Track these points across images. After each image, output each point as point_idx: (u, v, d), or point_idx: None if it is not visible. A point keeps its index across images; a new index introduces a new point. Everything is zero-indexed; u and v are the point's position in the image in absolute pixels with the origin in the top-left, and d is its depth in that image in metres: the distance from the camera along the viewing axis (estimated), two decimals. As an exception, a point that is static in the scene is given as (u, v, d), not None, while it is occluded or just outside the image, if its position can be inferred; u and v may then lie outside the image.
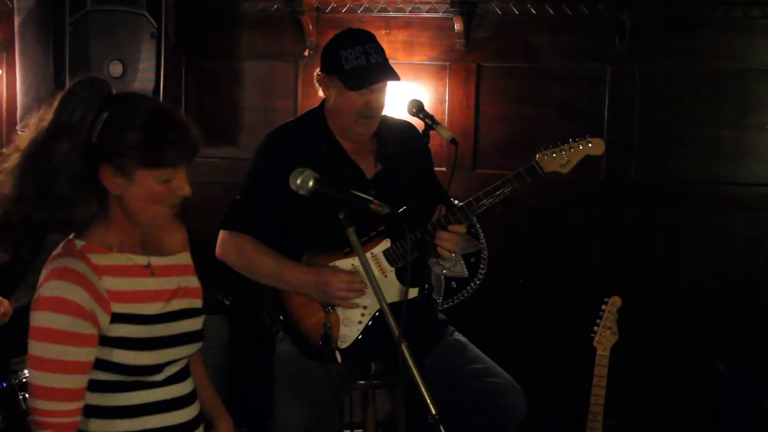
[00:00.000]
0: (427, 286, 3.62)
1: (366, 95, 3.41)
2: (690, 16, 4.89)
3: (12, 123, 4.67)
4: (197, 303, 2.54)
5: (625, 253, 5.00)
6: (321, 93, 3.57)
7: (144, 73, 4.46)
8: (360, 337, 3.43)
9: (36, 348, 2.24)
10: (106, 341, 2.28)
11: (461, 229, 3.45)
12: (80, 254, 2.28)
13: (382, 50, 3.47)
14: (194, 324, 2.50)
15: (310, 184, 2.78)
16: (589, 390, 4.09)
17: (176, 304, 2.45)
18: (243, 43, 5.53)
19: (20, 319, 3.77)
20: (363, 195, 2.79)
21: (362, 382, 3.58)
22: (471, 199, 3.44)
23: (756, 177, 4.86)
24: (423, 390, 2.63)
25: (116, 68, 4.33)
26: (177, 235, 2.59)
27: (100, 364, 2.30)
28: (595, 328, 4.10)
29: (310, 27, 5.28)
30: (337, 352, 3.40)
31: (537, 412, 3.67)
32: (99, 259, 2.29)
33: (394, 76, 3.45)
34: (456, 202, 3.56)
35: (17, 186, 2.26)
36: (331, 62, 3.45)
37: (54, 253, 2.32)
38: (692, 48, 4.92)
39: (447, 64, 5.19)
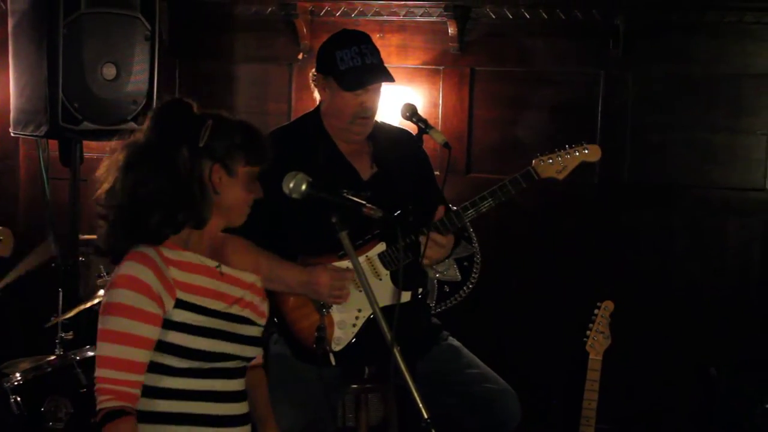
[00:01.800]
0: (421, 290, 3.60)
1: (361, 96, 3.42)
2: (683, 20, 4.90)
3: (5, 125, 4.65)
4: (257, 318, 2.73)
5: (617, 257, 5.01)
6: (317, 94, 3.57)
7: (138, 76, 4.45)
8: (354, 340, 3.43)
9: (108, 322, 2.45)
10: (168, 324, 2.49)
11: (441, 239, 3.40)
12: (154, 246, 2.53)
13: (378, 51, 3.48)
14: (253, 330, 2.70)
15: (303, 187, 2.78)
16: (581, 394, 4.09)
17: (238, 310, 2.65)
18: (237, 46, 5.53)
19: (7, 326, 3.78)
20: (356, 198, 2.79)
21: (355, 386, 3.58)
22: (467, 203, 3.44)
23: (749, 181, 4.88)
24: (415, 395, 2.62)
25: (110, 71, 4.33)
26: (246, 256, 2.82)
27: (165, 347, 2.50)
28: (588, 332, 4.10)
29: (304, 30, 5.29)
30: (331, 355, 3.39)
31: (530, 417, 3.67)
32: (170, 254, 2.53)
33: (389, 78, 3.46)
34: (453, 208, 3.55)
35: (149, 192, 2.52)
36: (327, 63, 3.45)
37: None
38: (685, 53, 4.93)
39: (441, 67, 5.20)
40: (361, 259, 3.40)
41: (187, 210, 2.53)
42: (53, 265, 4.45)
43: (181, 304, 2.50)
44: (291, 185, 2.78)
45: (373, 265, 3.43)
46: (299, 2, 5.22)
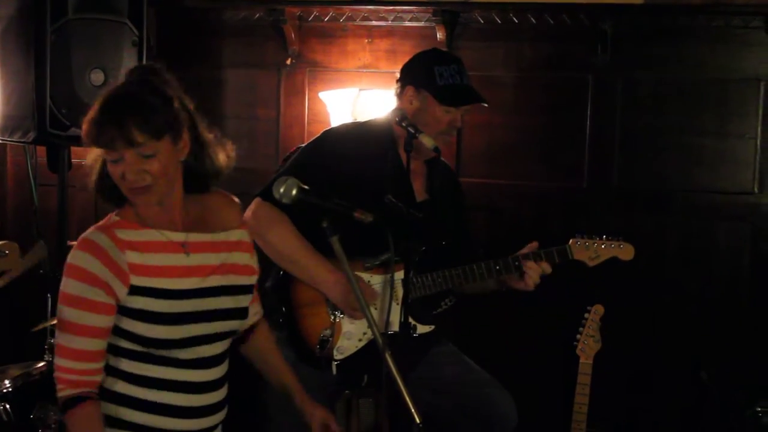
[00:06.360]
0: (429, 329, 3.58)
1: (453, 113, 3.49)
2: (671, 25, 4.91)
3: (-7, 132, 4.63)
4: (242, 280, 2.65)
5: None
6: (395, 104, 3.61)
7: (126, 82, 4.43)
8: (356, 352, 3.42)
9: (59, 311, 2.44)
10: (125, 311, 2.44)
11: (548, 268, 3.58)
12: (107, 228, 2.46)
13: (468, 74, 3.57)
14: (233, 302, 2.59)
15: (293, 192, 2.76)
16: (572, 398, 4.10)
17: (215, 280, 2.55)
18: (225, 51, 5.51)
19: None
20: (346, 203, 2.78)
21: (347, 391, 3.58)
22: (509, 259, 3.55)
23: (737, 185, 4.88)
24: (407, 399, 2.62)
25: (98, 76, 4.30)
26: (230, 212, 2.69)
27: (122, 333, 2.46)
28: (578, 336, 4.11)
29: (293, 36, 5.28)
30: (333, 364, 3.39)
31: (520, 420, 3.66)
32: (126, 235, 2.45)
33: (484, 100, 3.55)
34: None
35: None
36: (424, 76, 3.50)
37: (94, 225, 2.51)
38: (674, 57, 4.94)
39: (430, 72, 5.19)
40: (387, 278, 3.43)
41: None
42: (41, 271, 4.43)
43: (136, 291, 2.43)
44: (281, 190, 2.76)
45: (395, 289, 3.42)
46: (287, 7, 5.21)
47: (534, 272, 3.52)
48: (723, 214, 4.91)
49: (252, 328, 2.84)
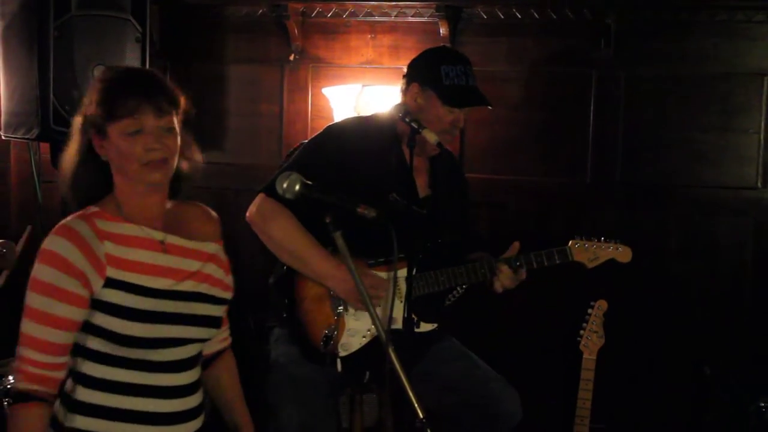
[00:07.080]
0: (433, 327, 3.58)
1: (456, 113, 3.48)
2: (675, 19, 4.91)
3: (-4, 128, 4.64)
4: (216, 292, 2.55)
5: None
6: (398, 100, 3.59)
7: (129, 78, 4.43)
8: (360, 349, 3.42)
9: (28, 297, 2.31)
10: (97, 305, 2.32)
11: (523, 275, 3.58)
12: (87, 217, 2.37)
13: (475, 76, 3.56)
14: (206, 309, 2.50)
15: (297, 187, 2.76)
16: (576, 393, 4.09)
17: (190, 286, 2.47)
18: (228, 47, 5.52)
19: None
20: (349, 198, 2.77)
21: (349, 387, 3.58)
22: (512, 257, 3.55)
23: (740, 180, 4.88)
24: (410, 394, 2.62)
25: (101, 73, 4.31)
26: (207, 225, 2.64)
27: (93, 330, 2.34)
28: (582, 331, 4.10)
29: (296, 31, 5.28)
30: (338, 361, 3.39)
31: (524, 416, 3.66)
32: (106, 226, 2.37)
33: (488, 102, 3.53)
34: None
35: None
36: (429, 74, 3.49)
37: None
38: (677, 52, 4.94)
39: (432, 68, 5.19)
40: (391, 275, 3.42)
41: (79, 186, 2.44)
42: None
43: (111, 283, 2.32)
44: (285, 185, 2.76)
45: (399, 286, 3.42)
46: (290, 3, 5.21)
47: (506, 277, 3.52)
48: (726, 210, 4.91)
49: (216, 355, 2.77)
